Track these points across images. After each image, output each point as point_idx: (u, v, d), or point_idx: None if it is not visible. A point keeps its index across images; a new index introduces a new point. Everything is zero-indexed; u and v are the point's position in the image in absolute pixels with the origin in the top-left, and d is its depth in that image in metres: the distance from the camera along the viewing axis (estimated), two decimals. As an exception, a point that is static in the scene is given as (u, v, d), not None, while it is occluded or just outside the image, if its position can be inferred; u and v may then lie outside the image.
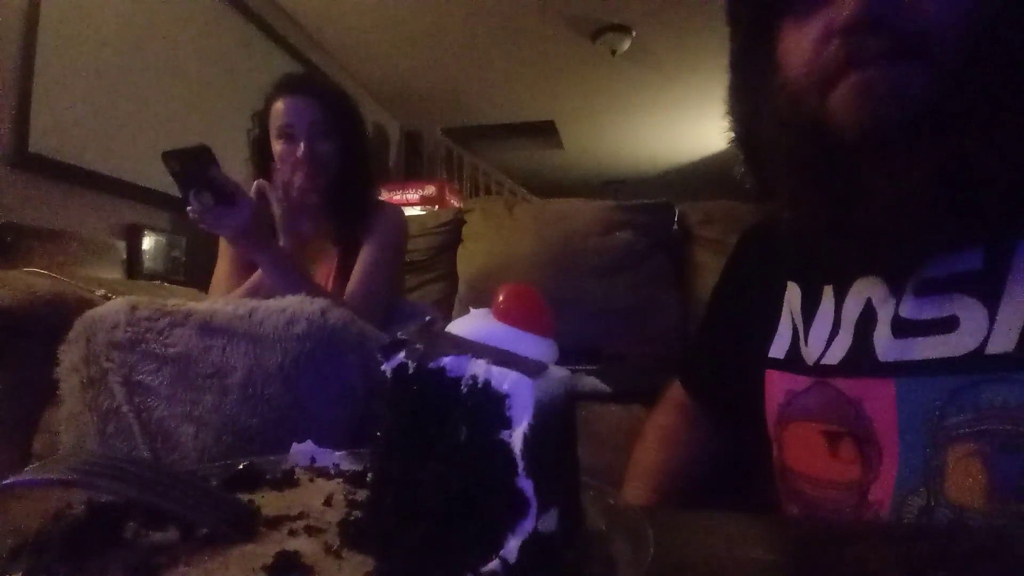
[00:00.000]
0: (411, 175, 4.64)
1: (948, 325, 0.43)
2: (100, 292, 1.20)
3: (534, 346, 0.28)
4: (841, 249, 0.48)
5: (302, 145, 1.13)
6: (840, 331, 0.50)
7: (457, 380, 0.25)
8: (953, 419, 0.41)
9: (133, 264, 2.12)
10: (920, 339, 0.44)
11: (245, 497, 0.32)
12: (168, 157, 0.97)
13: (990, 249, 0.42)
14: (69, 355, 0.83)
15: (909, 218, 0.42)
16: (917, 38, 0.41)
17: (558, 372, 0.27)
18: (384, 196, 1.58)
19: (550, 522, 0.23)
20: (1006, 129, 0.40)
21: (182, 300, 0.89)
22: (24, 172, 1.84)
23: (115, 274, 2.02)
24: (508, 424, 0.23)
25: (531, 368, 0.25)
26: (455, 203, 4.02)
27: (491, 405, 0.24)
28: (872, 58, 0.42)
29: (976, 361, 0.41)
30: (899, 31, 0.41)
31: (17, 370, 0.98)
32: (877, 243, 0.45)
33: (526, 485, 0.23)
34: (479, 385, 0.24)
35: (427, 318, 0.30)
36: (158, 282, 1.81)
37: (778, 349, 0.56)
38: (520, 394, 0.24)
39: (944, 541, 0.34)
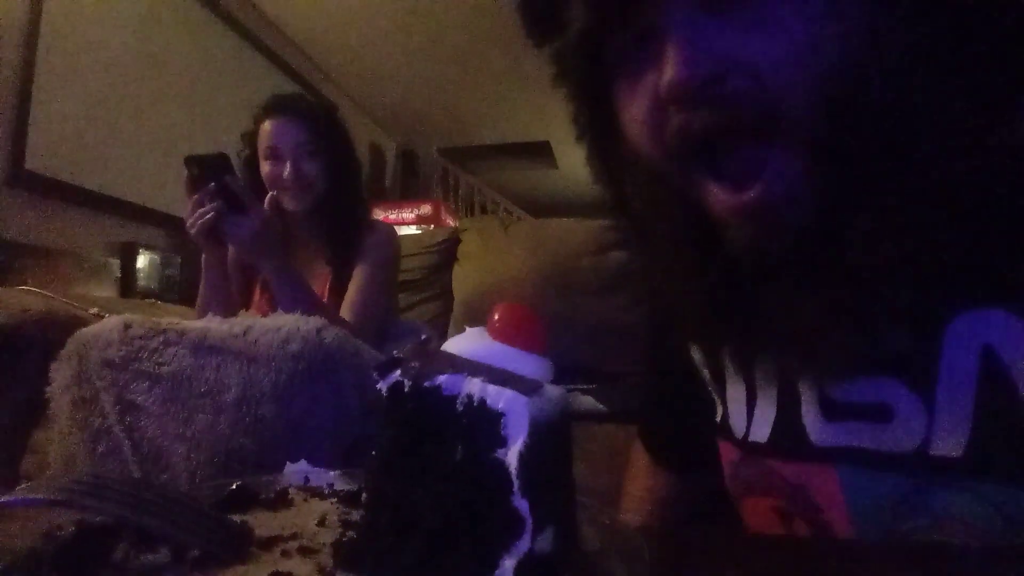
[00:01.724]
0: (407, 194, 4.66)
1: (882, 413, 0.37)
2: (93, 310, 1.20)
3: (529, 364, 0.28)
4: (734, 328, 0.41)
5: (288, 166, 1.15)
6: (759, 400, 0.44)
7: (453, 398, 0.25)
8: (907, 524, 0.37)
9: (127, 282, 2.11)
10: (854, 424, 0.38)
11: (238, 518, 0.32)
12: (189, 161, 1.02)
13: (914, 330, 0.36)
14: (61, 373, 0.82)
15: (809, 312, 0.36)
16: (764, 113, 0.34)
17: (553, 391, 0.27)
18: (380, 215, 1.59)
19: (546, 542, 0.23)
20: (899, 208, 0.33)
21: (176, 319, 0.89)
22: (20, 190, 1.84)
23: (109, 292, 2.01)
24: (503, 443, 0.23)
25: (526, 386, 0.25)
26: (450, 222, 4.04)
27: (486, 423, 0.24)
28: (714, 138, 0.36)
29: (922, 462, 0.35)
30: (737, 101, 0.34)
31: (8, 389, 0.97)
32: (778, 333, 0.38)
33: (522, 504, 0.23)
34: (474, 403, 0.24)
35: (423, 337, 0.30)
36: (152, 300, 1.81)
37: (717, 414, 0.49)
38: (515, 412, 0.24)
39: (948, 561, 0.34)
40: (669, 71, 0.35)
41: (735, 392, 0.46)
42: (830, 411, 0.40)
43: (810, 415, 0.41)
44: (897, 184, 0.33)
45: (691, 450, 0.55)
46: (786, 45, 0.33)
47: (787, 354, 0.39)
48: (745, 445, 0.45)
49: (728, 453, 0.48)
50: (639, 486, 0.63)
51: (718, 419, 0.49)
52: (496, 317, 0.29)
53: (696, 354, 0.51)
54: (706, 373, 0.50)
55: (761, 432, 0.44)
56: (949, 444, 0.34)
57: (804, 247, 0.35)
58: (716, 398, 0.49)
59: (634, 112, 0.40)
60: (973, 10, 0.33)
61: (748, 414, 0.45)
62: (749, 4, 0.35)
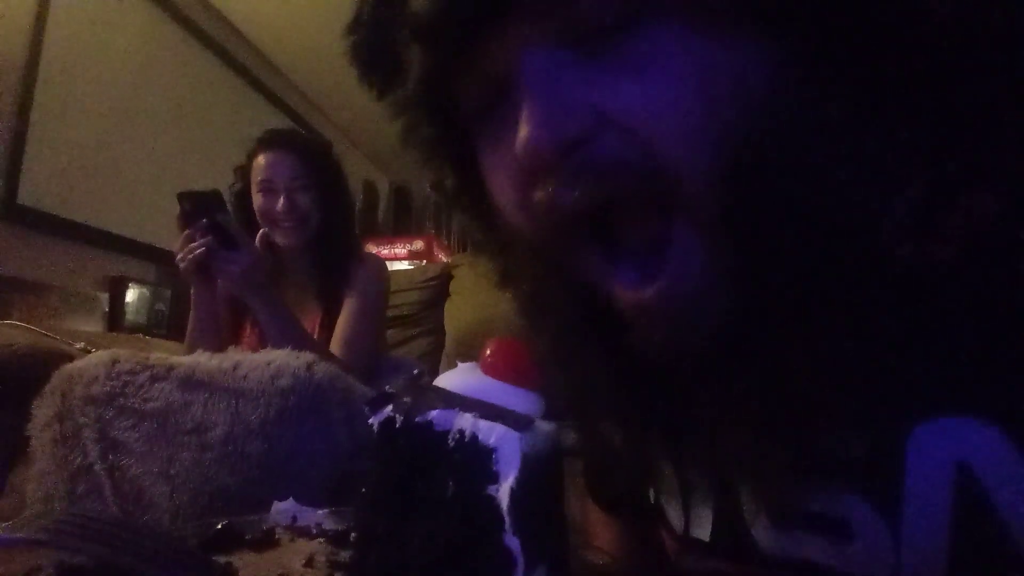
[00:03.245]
0: (400, 230, 4.69)
1: (840, 529, 0.31)
2: (79, 345, 1.18)
3: (522, 400, 0.28)
4: (652, 426, 0.34)
5: (282, 199, 1.16)
6: (694, 495, 0.37)
7: (444, 434, 0.25)
8: None
9: (115, 316, 2.09)
10: (809, 536, 0.32)
11: (223, 559, 0.31)
12: (182, 197, 1.04)
13: (866, 439, 0.29)
14: (43, 410, 0.80)
15: (738, 415, 0.29)
16: (651, 182, 0.27)
17: (545, 426, 0.27)
18: (373, 250, 1.60)
19: (537, 581, 0.23)
20: (831, 297, 0.26)
21: (165, 354, 0.88)
22: (12, 225, 1.84)
23: (96, 327, 1.99)
24: (495, 478, 0.23)
25: (518, 422, 0.25)
26: (443, 258, 4.05)
27: (478, 459, 0.24)
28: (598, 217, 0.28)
29: None
30: (614, 167, 0.27)
31: (-13, 426, 0.94)
32: (705, 438, 0.31)
33: (513, 542, 0.22)
34: (466, 439, 0.24)
35: (414, 372, 0.30)
36: (140, 335, 1.79)
37: (650, 495, 0.42)
38: (507, 448, 0.24)
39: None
40: (523, 130, 0.27)
41: (666, 483, 0.38)
42: (780, 517, 0.33)
43: (756, 520, 0.34)
44: (828, 269, 0.26)
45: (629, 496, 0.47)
46: (673, 96, 0.26)
47: (718, 462, 0.32)
48: (686, 541, 0.37)
49: (669, 542, 0.40)
50: (596, 529, 0.55)
51: (651, 499, 0.41)
52: (488, 352, 0.29)
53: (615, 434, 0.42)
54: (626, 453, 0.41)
55: (702, 530, 0.36)
56: None
57: (725, 346, 0.28)
58: (646, 480, 0.42)
59: (499, 180, 0.32)
60: (916, 63, 0.26)
61: (685, 506, 0.37)
62: (624, 45, 0.27)
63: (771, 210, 0.26)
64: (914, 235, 0.26)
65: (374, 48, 0.35)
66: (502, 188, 0.32)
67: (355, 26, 0.36)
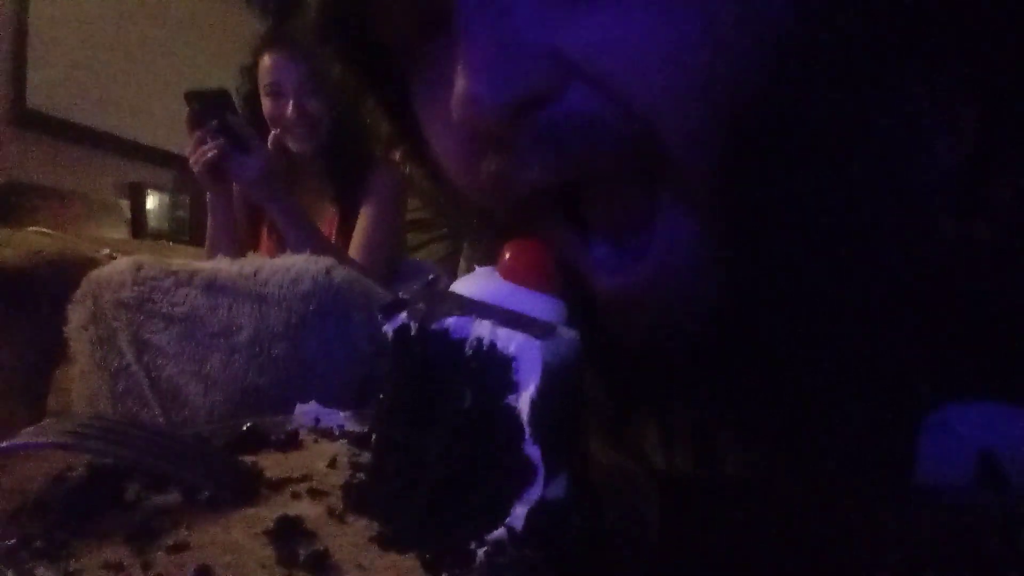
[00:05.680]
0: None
1: None
2: (105, 251, 1.20)
3: (542, 305, 0.26)
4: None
5: (291, 105, 1.11)
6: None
7: (461, 342, 0.24)
8: None
9: (137, 223, 2.11)
10: None
11: (248, 459, 0.32)
12: (189, 96, 1.02)
13: (883, 417, 0.27)
14: (77, 314, 0.83)
15: (737, 409, 0.26)
16: (631, 149, 0.22)
17: (567, 333, 0.26)
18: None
19: (558, 488, 0.23)
20: (842, 282, 0.22)
21: (187, 260, 0.89)
22: (23, 129, 1.82)
23: (119, 233, 2.02)
24: (514, 388, 0.22)
25: (538, 329, 0.23)
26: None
27: (496, 368, 0.23)
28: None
29: None
30: (583, 132, 0.22)
31: (26, 330, 0.98)
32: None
33: (533, 452, 0.22)
34: (484, 347, 0.23)
35: (430, 277, 0.29)
36: (163, 241, 1.82)
37: None
38: (527, 357, 0.22)
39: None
40: (461, 84, 0.21)
41: (650, 436, 0.33)
42: None
43: None
44: (856, 246, 0.22)
45: None
46: (659, 35, 0.20)
47: (715, 457, 0.29)
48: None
49: None
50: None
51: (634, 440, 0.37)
52: (507, 256, 0.27)
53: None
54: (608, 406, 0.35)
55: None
56: None
57: (719, 336, 0.24)
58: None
59: (440, 139, 0.26)
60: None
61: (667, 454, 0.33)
62: None
63: (784, 179, 0.21)
64: (957, 210, 0.22)
65: None
66: (445, 149, 0.26)
67: None
